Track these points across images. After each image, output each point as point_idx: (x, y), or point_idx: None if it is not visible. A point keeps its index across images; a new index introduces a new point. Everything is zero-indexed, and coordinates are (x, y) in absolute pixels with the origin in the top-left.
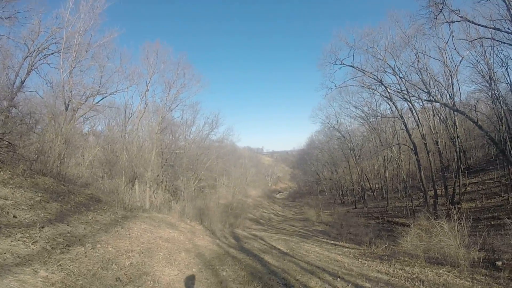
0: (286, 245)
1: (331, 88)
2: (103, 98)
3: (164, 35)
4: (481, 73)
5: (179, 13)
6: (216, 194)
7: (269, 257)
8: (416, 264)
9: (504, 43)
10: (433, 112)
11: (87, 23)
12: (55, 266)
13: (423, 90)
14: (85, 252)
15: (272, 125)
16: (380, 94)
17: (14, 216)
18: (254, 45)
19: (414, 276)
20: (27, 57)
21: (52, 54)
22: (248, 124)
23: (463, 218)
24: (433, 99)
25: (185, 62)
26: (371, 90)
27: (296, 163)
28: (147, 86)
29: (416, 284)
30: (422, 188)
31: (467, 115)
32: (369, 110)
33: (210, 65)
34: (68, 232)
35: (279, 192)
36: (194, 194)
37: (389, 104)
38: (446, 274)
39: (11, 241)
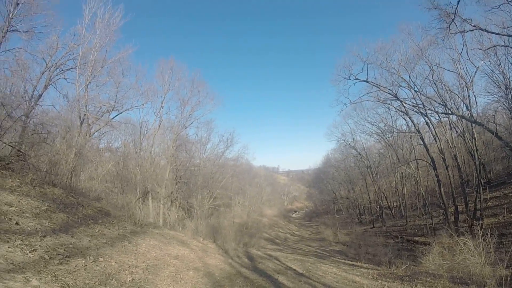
0: (302, 266)
1: (346, 104)
2: (118, 114)
3: (178, 52)
4: (497, 83)
5: (193, 29)
6: (231, 213)
7: (284, 278)
8: (439, 285)
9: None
10: (450, 126)
11: (102, 39)
12: (50, 276)
13: (439, 103)
14: (85, 265)
15: (288, 144)
16: (396, 109)
17: (16, 223)
18: (268, 63)
19: None
20: (45, 71)
21: (69, 69)
22: (264, 144)
23: (488, 234)
24: (449, 112)
25: (199, 79)
26: (386, 105)
27: (312, 182)
28: (162, 103)
29: None
30: (442, 204)
31: (485, 126)
32: (384, 126)
33: (224, 83)
34: (71, 244)
35: (295, 212)
36: (208, 213)
37: (405, 119)
38: None
39: (8, 247)
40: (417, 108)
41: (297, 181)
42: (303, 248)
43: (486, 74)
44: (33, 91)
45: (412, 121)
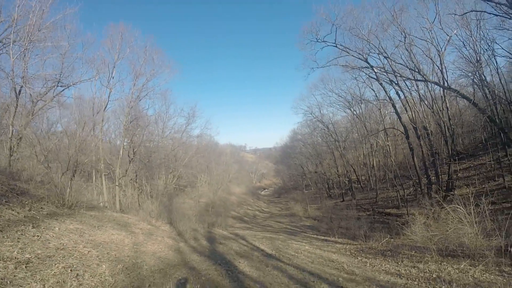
0: (272, 245)
1: (313, 68)
2: (64, 89)
3: (131, 19)
4: (467, 58)
5: None
6: (196, 192)
7: (247, 263)
8: (429, 259)
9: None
10: (420, 98)
11: (43, 2)
12: None
13: (411, 69)
14: None
15: (255, 123)
16: (367, 75)
17: None
18: (231, 30)
19: (433, 275)
20: None
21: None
22: (230, 122)
23: (471, 203)
24: (423, 78)
25: (153, 47)
26: (355, 74)
27: (279, 159)
28: (111, 73)
29: (442, 287)
30: (415, 174)
31: (460, 93)
32: (352, 99)
33: (182, 53)
34: None
35: (264, 189)
36: (173, 193)
37: (374, 90)
38: (470, 269)
39: None
40: (388, 75)
41: (265, 158)
42: (273, 225)
43: (456, 48)
44: None
45: (384, 88)
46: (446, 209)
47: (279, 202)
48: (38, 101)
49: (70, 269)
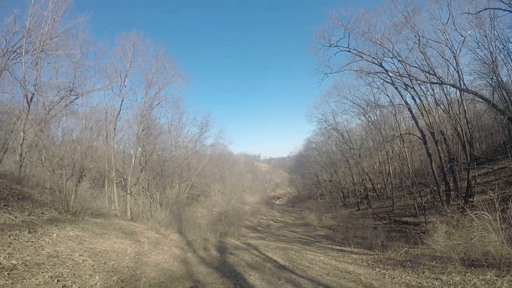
0: (285, 255)
1: (326, 74)
2: (77, 98)
3: (142, 28)
4: (482, 59)
5: (158, 2)
6: (210, 201)
7: (258, 276)
8: (452, 270)
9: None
10: (436, 102)
11: (55, 11)
12: None
13: (427, 72)
14: None
15: (269, 132)
16: (382, 79)
17: None
18: (245, 40)
19: None
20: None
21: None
22: (244, 132)
23: (496, 209)
24: (439, 81)
25: (165, 55)
26: (369, 79)
27: (294, 168)
28: (124, 82)
29: None
30: (434, 180)
31: (479, 95)
32: (367, 105)
33: (195, 64)
34: None
35: (278, 198)
36: (186, 202)
37: (389, 96)
38: (497, 280)
39: None
40: (403, 79)
41: (279, 167)
42: (286, 235)
43: (471, 50)
44: None
45: (399, 92)
46: (469, 216)
47: (293, 211)
48: (51, 109)
49: (57, 279)
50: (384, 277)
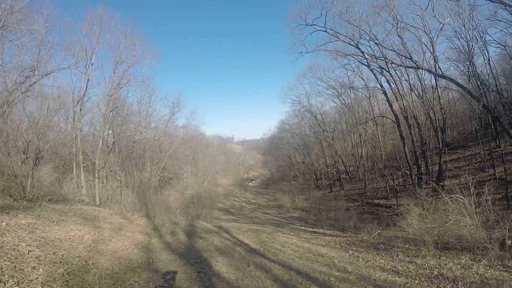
0: (257, 238)
1: (301, 53)
2: (42, 78)
3: (110, 4)
4: (458, 48)
5: None
6: (182, 184)
7: (226, 261)
8: (426, 253)
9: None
10: (410, 87)
11: None
12: None
13: (403, 56)
14: None
15: (243, 114)
16: (359, 61)
17: None
18: (214, 17)
19: (434, 272)
20: None
21: None
22: (218, 114)
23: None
24: (415, 65)
25: (134, 32)
26: (344, 63)
27: (267, 149)
28: (91, 59)
29: (447, 286)
30: (407, 164)
31: (453, 80)
32: (341, 88)
33: (165, 42)
34: None
35: (252, 180)
36: (158, 185)
37: (363, 80)
38: (472, 264)
39: None
40: (379, 62)
41: (253, 150)
42: (259, 217)
43: (448, 39)
44: None
45: (375, 75)
46: (442, 199)
47: (267, 193)
48: (14, 90)
49: None
50: (357, 260)
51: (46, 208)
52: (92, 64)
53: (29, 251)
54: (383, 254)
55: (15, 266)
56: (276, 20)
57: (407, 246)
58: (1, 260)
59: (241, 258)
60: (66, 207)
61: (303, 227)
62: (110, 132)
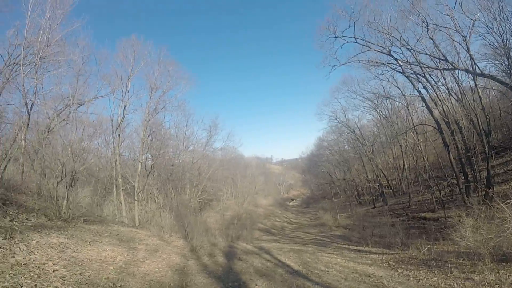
0: (299, 259)
1: (334, 66)
2: (80, 105)
3: (143, 33)
4: (492, 45)
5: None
6: (222, 205)
7: (267, 284)
8: (483, 267)
9: None
10: (448, 91)
11: (52, 20)
12: None
13: (438, 58)
14: None
15: (280, 133)
16: (393, 69)
17: None
18: (247, 40)
19: None
20: (3, 70)
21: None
22: (255, 135)
23: None
24: (452, 66)
25: (167, 58)
26: (377, 73)
27: (306, 168)
28: (127, 87)
29: None
30: (453, 172)
31: (494, 78)
32: (377, 100)
33: (199, 67)
34: None
35: (292, 200)
36: (198, 207)
37: (399, 88)
38: None
39: None
40: (413, 68)
41: (292, 169)
42: (301, 236)
43: (480, 35)
44: None
45: (411, 81)
46: (495, 207)
47: (308, 212)
48: (54, 118)
49: None
50: (408, 280)
51: (81, 228)
52: (128, 91)
53: (54, 270)
54: (436, 272)
55: (35, 285)
56: (307, 35)
57: (460, 261)
58: (23, 277)
59: (282, 280)
60: (102, 228)
61: (347, 246)
62: (149, 156)
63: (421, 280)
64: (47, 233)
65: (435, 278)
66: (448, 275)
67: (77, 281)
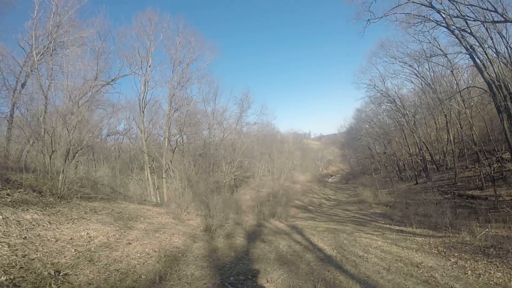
0: (334, 240)
1: (369, 20)
2: (103, 86)
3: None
4: None
5: None
6: (257, 181)
7: (285, 278)
8: None
9: None
10: (497, 53)
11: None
12: None
13: (487, 9)
14: None
15: (318, 108)
16: (436, 22)
17: None
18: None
19: None
20: (26, 61)
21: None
22: (292, 111)
23: None
24: (503, 18)
25: (186, 28)
26: (418, 31)
27: (345, 142)
28: (147, 61)
29: None
30: (507, 144)
31: None
32: (418, 64)
33: (229, 42)
34: None
35: (331, 176)
36: (234, 184)
37: (442, 51)
38: None
39: None
40: (457, 23)
41: (331, 144)
42: (339, 214)
43: None
44: (16, 82)
45: (456, 36)
46: None
47: (347, 188)
48: (79, 100)
49: None
50: (465, 274)
51: (75, 205)
52: (149, 66)
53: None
54: (498, 264)
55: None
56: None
57: None
58: None
59: (307, 271)
60: (104, 204)
61: (388, 225)
62: (176, 132)
63: (481, 276)
64: (25, 209)
65: (499, 273)
66: None
67: (9, 264)
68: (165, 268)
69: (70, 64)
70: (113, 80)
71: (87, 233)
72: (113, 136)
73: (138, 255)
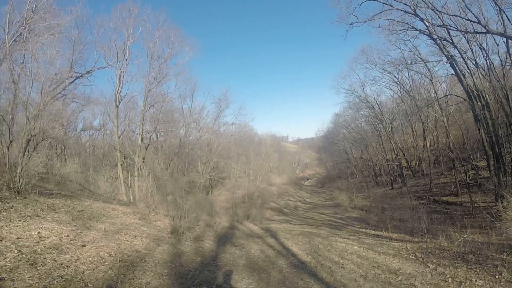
0: (309, 245)
1: (352, 24)
2: (76, 78)
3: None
4: None
5: None
6: (233, 183)
7: (254, 286)
8: None
9: None
10: (476, 64)
11: None
12: None
13: (470, 20)
14: None
15: (296, 111)
16: (418, 30)
17: None
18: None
19: None
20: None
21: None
22: (270, 113)
23: None
24: (485, 30)
25: (168, 24)
26: (399, 38)
27: (322, 146)
28: (124, 54)
29: None
30: (484, 151)
31: None
32: (397, 72)
33: (209, 40)
34: None
35: (307, 179)
36: (209, 184)
37: (423, 60)
38: None
39: None
40: (439, 33)
41: (308, 148)
42: (314, 217)
43: None
44: None
45: (438, 45)
46: None
47: (323, 192)
48: (51, 91)
49: None
50: (446, 281)
51: (32, 201)
52: (126, 59)
53: None
54: (478, 271)
55: None
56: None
57: (505, 257)
58: None
59: (279, 280)
60: (65, 202)
61: (364, 230)
62: (151, 129)
63: (463, 284)
64: None
65: (481, 281)
66: (497, 277)
67: None
68: (117, 275)
69: (43, 53)
70: (88, 72)
71: (38, 233)
72: (88, 132)
73: (90, 259)
